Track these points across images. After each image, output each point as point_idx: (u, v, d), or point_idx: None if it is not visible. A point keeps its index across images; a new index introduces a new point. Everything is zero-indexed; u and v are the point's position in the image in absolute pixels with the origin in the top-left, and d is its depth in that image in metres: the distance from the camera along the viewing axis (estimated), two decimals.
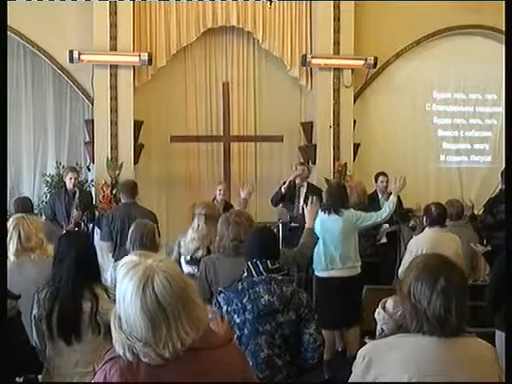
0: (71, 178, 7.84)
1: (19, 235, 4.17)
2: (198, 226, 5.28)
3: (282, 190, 8.15)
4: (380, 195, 8.43)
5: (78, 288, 3.46)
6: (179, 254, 5.39)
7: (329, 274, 6.11)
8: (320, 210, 6.14)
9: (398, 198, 8.36)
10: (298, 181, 8.26)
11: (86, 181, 9.19)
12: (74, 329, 3.43)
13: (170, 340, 1.86)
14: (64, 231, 6.95)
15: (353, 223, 6.15)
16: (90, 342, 3.40)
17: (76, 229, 7.47)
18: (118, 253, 6.32)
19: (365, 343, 2.49)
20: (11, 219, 4.40)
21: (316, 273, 6.24)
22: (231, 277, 3.88)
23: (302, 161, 9.39)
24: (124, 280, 1.92)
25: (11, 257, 4.15)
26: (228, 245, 4.33)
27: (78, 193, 7.74)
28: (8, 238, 4.17)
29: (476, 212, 8.51)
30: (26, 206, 6.75)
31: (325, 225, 6.05)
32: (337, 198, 6.16)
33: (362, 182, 8.25)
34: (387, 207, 6.48)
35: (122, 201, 7.20)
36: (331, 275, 6.10)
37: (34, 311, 3.50)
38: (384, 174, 8.45)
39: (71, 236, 3.82)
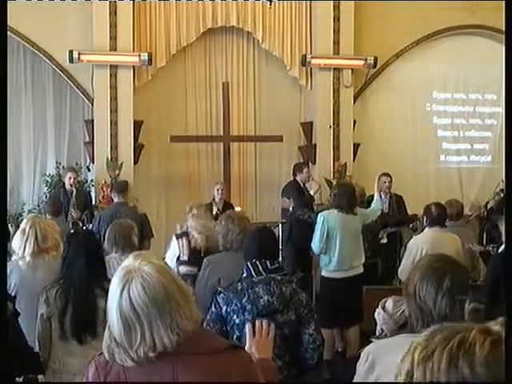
0: (70, 178, 7.88)
1: (36, 235, 4.13)
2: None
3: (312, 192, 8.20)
4: (383, 195, 8.45)
5: (90, 286, 3.49)
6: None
7: (342, 274, 6.09)
8: (335, 209, 6.12)
9: (402, 202, 8.41)
10: (304, 181, 8.27)
11: (86, 181, 9.19)
12: (89, 326, 3.44)
13: (143, 344, 1.87)
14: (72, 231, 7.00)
15: (362, 221, 6.22)
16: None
17: (84, 227, 7.50)
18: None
19: (370, 342, 2.49)
20: (26, 219, 4.38)
21: (324, 273, 6.18)
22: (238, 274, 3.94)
23: (301, 162, 9.30)
24: (112, 280, 1.96)
25: (27, 257, 4.11)
26: (235, 238, 4.35)
27: (74, 192, 7.77)
28: (23, 237, 4.13)
29: (476, 212, 8.54)
30: (57, 206, 6.82)
31: (345, 224, 6.03)
32: (353, 198, 6.16)
33: (358, 183, 8.31)
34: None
35: (114, 200, 7.32)
36: (342, 275, 6.07)
37: (42, 310, 3.51)
38: (387, 174, 8.49)
39: (80, 235, 3.83)
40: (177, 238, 5.45)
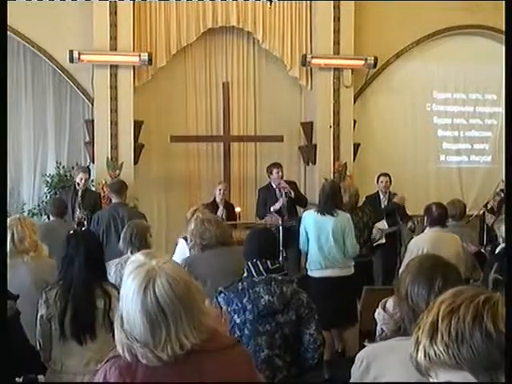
0: (82, 179, 7.91)
1: (12, 236, 4.17)
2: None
3: (272, 209, 7.84)
4: (381, 195, 8.51)
5: (90, 286, 3.49)
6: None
7: (323, 274, 6.08)
8: (314, 211, 6.17)
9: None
10: (276, 183, 7.99)
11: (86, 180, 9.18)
12: (88, 327, 3.44)
13: (169, 343, 1.85)
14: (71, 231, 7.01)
15: (344, 227, 6.11)
16: (103, 339, 3.40)
17: (83, 228, 7.50)
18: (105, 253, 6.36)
19: (364, 346, 2.49)
20: (8, 220, 4.41)
21: (309, 273, 6.18)
22: (221, 268, 4.11)
23: (274, 162, 8.59)
24: (128, 279, 1.92)
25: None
26: (213, 235, 4.44)
27: (80, 192, 7.80)
28: None
29: (476, 212, 8.56)
30: (61, 207, 6.81)
31: (319, 224, 6.05)
32: (331, 199, 6.16)
33: (353, 183, 8.28)
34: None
35: (112, 201, 7.32)
36: (325, 275, 6.08)
37: (42, 311, 3.50)
38: (385, 174, 8.52)
39: (79, 235, 3.83)
40: (185, 240, 5.46)
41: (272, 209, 7.80)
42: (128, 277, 1.93)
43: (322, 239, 6.05)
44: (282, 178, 8.01)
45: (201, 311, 1.92)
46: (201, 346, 1.89)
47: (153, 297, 1.85)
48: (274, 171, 8.03)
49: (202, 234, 4.49)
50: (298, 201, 8.06)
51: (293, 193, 7.87)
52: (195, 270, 4.35)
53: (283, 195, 7.81)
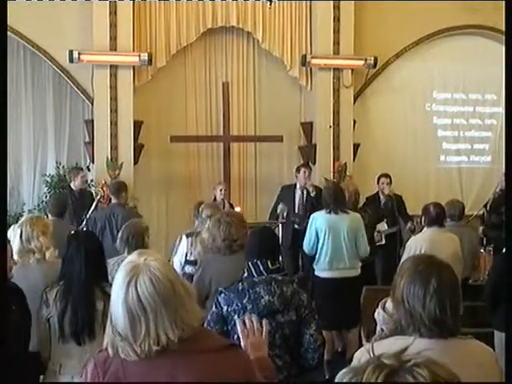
0: (82, 178, 8.07)
1: (20, 236, 4.17)
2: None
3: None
4: (381, 196, 8.50)
5: (90, 287, 3.49)
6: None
7: (332, 275, 6.07)
8: (325, 212, 6.11)
9: (401, 200, 8.41)
10: (302, 183, 8.17)
11: (86, 181, 9.18)
12: (87, 328, 3.45)
13: (148, 338, 1.89)
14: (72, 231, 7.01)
15: (356, 226, 6.12)
16: (102, 340, 3.40)
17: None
18: None
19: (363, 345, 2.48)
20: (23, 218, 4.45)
21: (317, 273, 6.18)
22: (228, 274, 4.01)
23: (302, 162, 9.27)
24: (116, 275, 1.98)
25: (15, 256, 4.15)
26: (220, 245, 4.40)
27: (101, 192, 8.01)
28: (13, 236, 4.18)
29: (476, 212, 8.56)
30: (60, 207, 6.79)
31: (333, 224, 6.02)
32: (340, 197, 6.15)
33: (354, 182, 8.28)
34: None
35: (111, 201, 7.41)
36: (334, 276, 6.06)
37: (42, 311, 3.51)
38: (386, 175, 8.51)
39: (80, 236, 3.82)
40: (187, 237, 5.46)
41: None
42: (116, 273, 1.98)
43: (335, 238, 6.01)
44: (308, 178, 8.18)
45: (184, 310, 1.94)
46: (179, 345, 1.91)
47: (134, 292, 1.90)
48: (301, 170, 8.22)
49: (213, 239, 4.43)
50: (317, 205, 8.09)
51: (313, 193, 7.96)
52: (212, 270, 4.35)
53: (304, 194, 8.00)
